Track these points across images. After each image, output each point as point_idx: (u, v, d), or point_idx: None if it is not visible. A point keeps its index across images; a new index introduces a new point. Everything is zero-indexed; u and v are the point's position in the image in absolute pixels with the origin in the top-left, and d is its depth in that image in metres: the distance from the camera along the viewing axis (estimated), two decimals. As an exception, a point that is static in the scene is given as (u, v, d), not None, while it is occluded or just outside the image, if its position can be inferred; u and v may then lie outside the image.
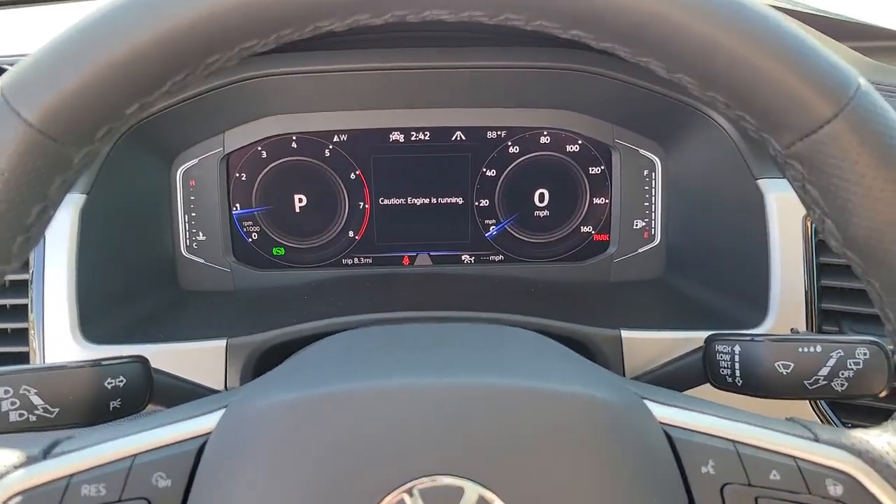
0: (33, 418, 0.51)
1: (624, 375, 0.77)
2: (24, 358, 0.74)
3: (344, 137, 0.96)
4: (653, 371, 0.70)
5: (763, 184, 0.78)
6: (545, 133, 0.98)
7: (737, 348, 0.58)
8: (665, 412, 0.41)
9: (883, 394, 0.54)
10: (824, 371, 0.54)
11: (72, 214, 0.74)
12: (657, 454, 0.38)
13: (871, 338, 0.54)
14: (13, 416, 0.50)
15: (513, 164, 0.98)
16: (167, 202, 0.94)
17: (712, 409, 0.42)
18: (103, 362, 0.54)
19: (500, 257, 1.02)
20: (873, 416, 0.75)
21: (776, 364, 0.55)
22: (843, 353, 0.54)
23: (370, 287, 0.95)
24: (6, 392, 0.50)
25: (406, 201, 0.99)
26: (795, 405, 0.76)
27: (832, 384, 0.54)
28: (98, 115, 0.33)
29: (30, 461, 0.37)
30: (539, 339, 0.52)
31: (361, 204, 0.99)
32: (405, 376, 0.40)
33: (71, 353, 0.72)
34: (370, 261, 1.01)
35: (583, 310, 0.88)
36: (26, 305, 0.73)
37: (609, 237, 1.01)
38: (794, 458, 0.38)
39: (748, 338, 0.58)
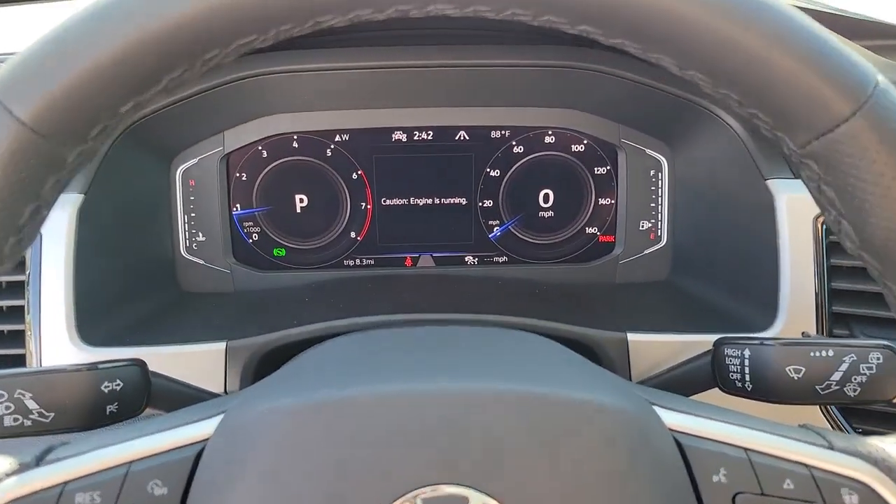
0: (28, 423, 0.50)
1: (630, 379, 0.76)
2: (20, 360, 0.73)
3: (346, 137, 0.96)
4: (660, 375, 0.69)
5: (773, 184, 0.77)
6: (550, 133, 0.97)
7: (746, 352, 0.57)
8: (675, 418, 0.40)
9: (897, 399, 0.53)
10: (836, 376, 0.53)
11: (69, 214, 0.74)
12: (667, 462, 0.38)
13: (885, 342, 0.53)
14: (7, 421, 0.50)
15: (517, 164, 0.98)
16: (166, 202, 0.94)
17: (723, 415, 0.41)
18: (100, 366, 0.53)
19: (504, 259, 1.01)
20: (887, 421, 0.74)
21: (787, 369, 0.54)
22: (856, 358, 0.53)
23: (372, 289, 0.94)
24: (0, 396, 0.50)
25: (409, 202, 0.99)
26: (806, 410, 0.75)
27: (845, 389, 0.53)
28: (92, 113, 0.32)
29: (22, 468, 0.36)
30: (545, 343, 0.51)
31: (363, 204, 0.99)
32: (407, 382, 0.40)
33: (68, 355, 0.71)
34: (372, 262, 1.01)
35: (588, 312, 0.88)
36: (23, 307, 0.73)
37: (615, 238, 1.00)
38: (807, 466, 0.37)
39: (758, 341, 0.57)
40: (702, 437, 0.39)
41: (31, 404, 0.50)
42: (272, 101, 0.90)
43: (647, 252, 1.00)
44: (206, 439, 0.39)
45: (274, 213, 0.98)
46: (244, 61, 0.81)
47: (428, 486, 0.34)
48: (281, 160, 0.96)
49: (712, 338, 0.63)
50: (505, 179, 0.98)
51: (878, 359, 0.53)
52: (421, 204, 0.99)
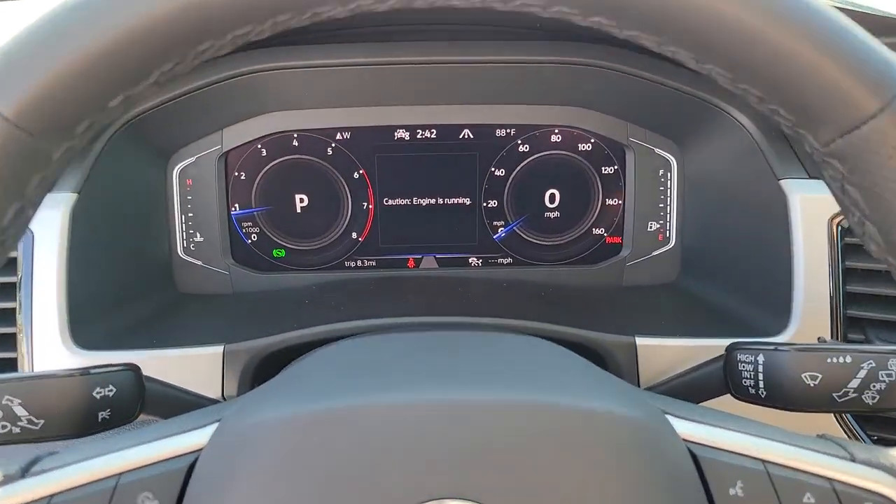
0: (17, 430, 0.50)
1: (638, 385, 0.75)
2: (12, 364, 0.72)
3: (347, 135, 0.95)
4: (669, 381, 0.68)
5: (786, 184, 0.77)
6: (556, 131, 0.96)
7: (760, 358, 0.56)
8: (688, 428, 0.39)
9: (917, 408, 0.52)
10: (854, 383, 0.52)
11: (63, 214, 0.73)
12: (682, 475, 0.37)
13: (906, 348, 0.53)
14: (-5, 428, 0.49)
15: (522, 164, 0.97)
16: (163, 202, 0.93)
17: (739, 424, 0.40)
18: (92, 371, 0.53)
19: (509, 260, 1.01)
20: (904, 429, 0.73)
21: (803, 375, 0.53)
22: (874, 365, 0.52)
23: (374, 291, 0.94)
24: None
25: (411, 202, 0.98)
26: (819, 418, 0.74)
27: (863, 397, 0.52)
28: (78, 107, 0.31)
29: (7, 480, 0.35)
30: (552, 349, 0.51)
31: (365, 204, 0.98)
32: (412, 391, 0.39)
33: (61, 358, 0.71)
34: (374, 263, 1.00)
35: (595, 315, 0.87)
36: (14, 309, 0.72)
37: (622, 239, 1.00)
38: (828, 479, 0.36)
39: (772, 347, 0.56)
40: (717, 448, 0.38)
41: (20, 411, 0.49)
42: (272, 98, 0.90)
43: (655, 254, 0.99)
44: (200, 450, 0.38)
45: (273, 213, 0.97)
46: (243, 57, 0.81)
47: (433, 500, 0.33)
48: (281, 159, 0.95)
49: (722, 342, 0.62)
50: (510, 179, 0.98)
51: None
52: (424, 204, 0.98)
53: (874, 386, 0.52)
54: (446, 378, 0.42)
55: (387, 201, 0.98)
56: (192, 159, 0.94)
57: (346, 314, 0.78)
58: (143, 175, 0.90)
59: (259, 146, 0.95)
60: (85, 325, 0.73)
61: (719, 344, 0.63)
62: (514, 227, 1.00)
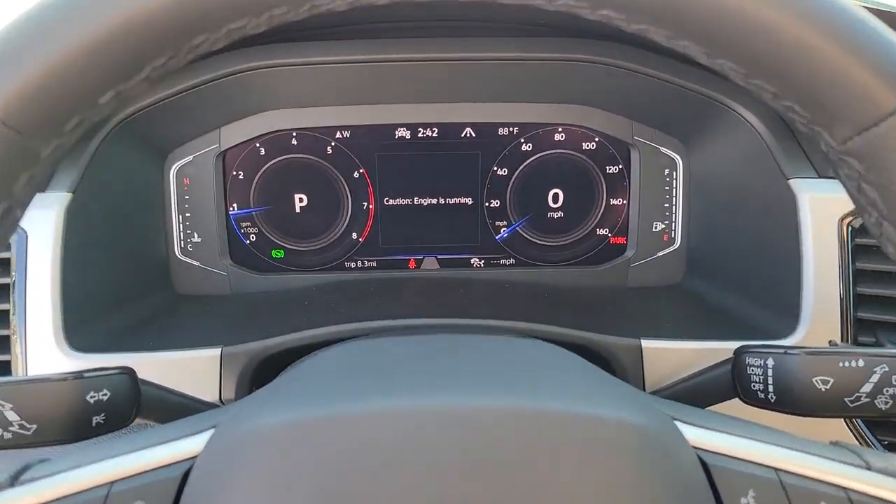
0: (8, 435, 0.49)
1: (644, 389, 0.75)
2: (5, 367, 0.72)
3: (347, 134, 0.95)
4: (675, 384, 0.68)
5: (795, 184, 0.76)
6: (560, 130, 0.96)
7: (770, 361, 0.55)
8: (698, 435, 0.38)
9: (930, 413, 0.51)
10: (867, 387, 0.51)
11: (57, 213, 0.72)
12: (691, 483, 0.36)
13: (920, 351, 0.52)
14: (-14, 434, 0.49)
15: (525, 163, 0.97)
16: (160, 201, 0.93)
17: (749, 430, 0.40)
18: (86, 374, 0.52)
19: (512, 261, 1.00)
20: (917, 435, 0.73)
21: (814, 379, 0.52)
22: (888, 369, 0.51)
23: (374, 292, 0.93)
24: None
25: (412, 201, 0.97)
26: (829, 422, 0.73)
27: (875, 402, 0.51)
28: (67, 104, 0.30)
29: None
30: (557, 353, 0.50)
31: (365, 204, 0.97)
32: (416, 397, 0.38)
33: (55, 361, 0.70)
34: (374, 264, 1.00)
35: (599, 317, 0.86)
36: (8, 311, 0.72)
37: (626, 240, 0.99)
38: (843, 488, 0.35)
39: (782, 350, 0.55)
40: (728, 455, 0.37)
41: (12, 416, 0.49)
42: (270, 96, 0.89)
43: (660, 254, 0.98)
44: (195, 457, 0.37)
45: (272, 213, 0.97)
46: (241, 54, 0.80)
47: None
48: (279, 158, 0.95)
49: (729, 345, 0.61)
50: (513, 178, 0.97)
51: None
52: (425, 204, 0.97)
53: (887, 390, 0.51)
54: (449, 384, 0.41)
55: (387, 201, 0.97)
56: (190, 158, 0.93)
57: (346, 316, 0.77)
58: (140, 174, 0.90)
59: (257, 145, 0.95)
60: (80, 327, 0.73)
61: (726, 347, 0.62)
62: (517, 228, 0.99)
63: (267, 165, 0.95)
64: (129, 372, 0.55)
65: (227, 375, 0.73)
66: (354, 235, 0.98)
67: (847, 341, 0.73)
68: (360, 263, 0.99)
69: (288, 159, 0.95)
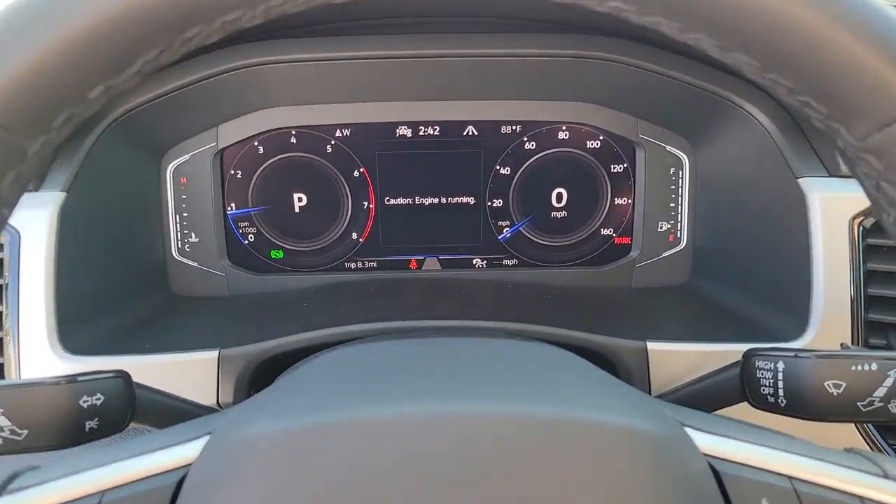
0: None
1: (650, 392, 0.74)
2: None
3: (347, 132, 0.94)
4: (682, 388, 0.67)
5: (805, 183, 0.75)
6: (564, 128, 0.96)
7: (780, 365, 0.55)
8: (709, 442, 0.38)
9: (946, 418, 0.51)
10: (881, 392, 0.51)
11: (51, 213, 0.72)
12: (702, 492, 0.35)
13: (935, 354, 0.51)
14: (-24, 439, 0.48)
15: (529, 162, 0.96)
16: (156, 201, 0.93)
17: (761, 436, 0.39)
18: (79, 378, 0.52)
19: (515, 261, 1.00)
20: (930, 440, 0.72)
21: (826, 383, 0.52)
22: None
23: (375, 293, 0.93)
24: None
25: (413, 201, 0.97)
26: (839, 427, 0.72)
27: (889, 406, 0.51)
28: (55, 99, 0.30)
29: None
30: (562, 356, 0.50)
31: (366, 204, 0.97)
32: (418, 403, 0.37)
33: (49, 364, 0.70)
34: (375, 265, 0.99)
35: (604, 319, 0.86)
36: (1, 312, 0.71)
37: (631, 240, 0.99)
38: (859, 497, 0.35)
39: (792, 353, 0.55)
40: (740, 463, 0.37)
41: (3, 421, 0.48)
42: (269, 93, 0.89)
43: (665, 255, 0.98)
44: (190, 464, 0.37)
45: (271, 212, 0.97)
46: (238, 50, 0.80)
47: None
48: (278, 157, 0.95)
49: (736, 347, 0.62)
50: (516, 178, 0.97)
51: None
52: (426, 203, 0.97)
53: None
54: (451, 389, 0.41)
55: (388, 201, 0.97)
56: (187, 157, 0.93)
57: (346, 318, 0.77)
58: (136, 173, 0.89)
59: (256, 143, 0.94)
60: (74, 329, 0.72)
61: (733, 349, 0.62)
62: (520, 228, 0.99)
63: (266, 164, 0.95)
64: (123, 375, 0.54)
65: (225, 378, 0.72)
66: (354, 235, 0.98)
67: (857, 344, 0.73)
68: (360, 264, 0.99)
69: (287, 158, 0.95)
